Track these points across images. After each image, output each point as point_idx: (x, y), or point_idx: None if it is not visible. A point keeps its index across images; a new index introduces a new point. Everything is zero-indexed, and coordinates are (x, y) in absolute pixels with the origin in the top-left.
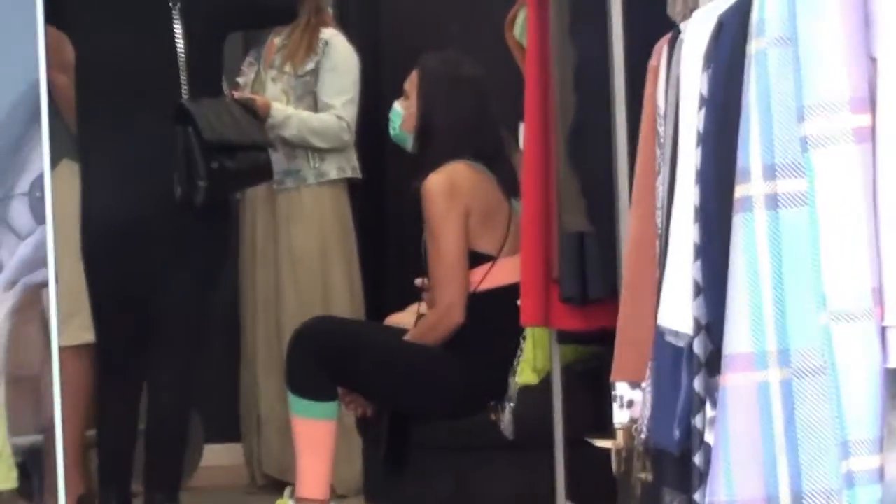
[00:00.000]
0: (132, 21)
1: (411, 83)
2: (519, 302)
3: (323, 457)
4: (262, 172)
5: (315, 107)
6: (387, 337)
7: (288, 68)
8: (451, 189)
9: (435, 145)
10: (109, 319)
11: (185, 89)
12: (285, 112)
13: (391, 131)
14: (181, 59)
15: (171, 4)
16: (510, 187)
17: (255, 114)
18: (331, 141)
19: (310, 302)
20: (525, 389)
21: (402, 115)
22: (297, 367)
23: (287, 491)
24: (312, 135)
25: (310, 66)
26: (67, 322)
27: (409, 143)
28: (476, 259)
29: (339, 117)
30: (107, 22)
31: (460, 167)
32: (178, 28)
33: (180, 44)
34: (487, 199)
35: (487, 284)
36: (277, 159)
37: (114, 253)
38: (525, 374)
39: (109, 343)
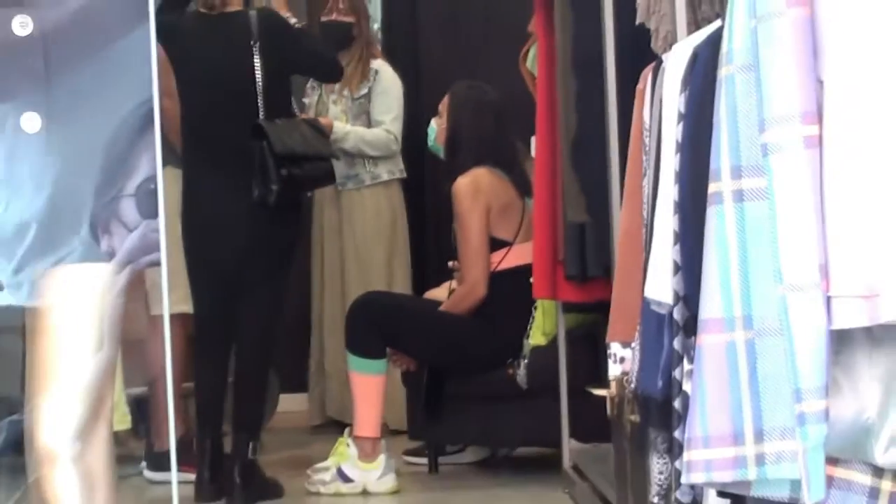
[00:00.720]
0: (221, 54)
1: (444, 105)
2: (531, 279)
3: (375, 404)
4: (326, 178)
5: (368, 123)
6: (426, 307)
7: (346, 92)
8: (475, 189)
9: (461, 154)
10: (204, 293)
11: (261, 111)
12: (344, 129)
13: (428, 143)
14: (259, 87)
15: (251, 42)
16: (523, 187)
17: (321, 131)
18: (382, 150)
19: (367, 278)
20: (536, 349)
21: (435, 131)
22: (355, 331)
23: (346, 431)
24: (367, 146)
25: (363, 90)
26: (170, 293)
27: (441, 153)
28: (496, 244)
29: (388, 131)
30: (201, 54)
31: (482, 172)
32: (256, 62)
33: (258, 74)
34: (504, 197)
35: (505, 265)
36: (340, 166)
37: (207, 240)
38: (536, 336)
39: (203, 311)
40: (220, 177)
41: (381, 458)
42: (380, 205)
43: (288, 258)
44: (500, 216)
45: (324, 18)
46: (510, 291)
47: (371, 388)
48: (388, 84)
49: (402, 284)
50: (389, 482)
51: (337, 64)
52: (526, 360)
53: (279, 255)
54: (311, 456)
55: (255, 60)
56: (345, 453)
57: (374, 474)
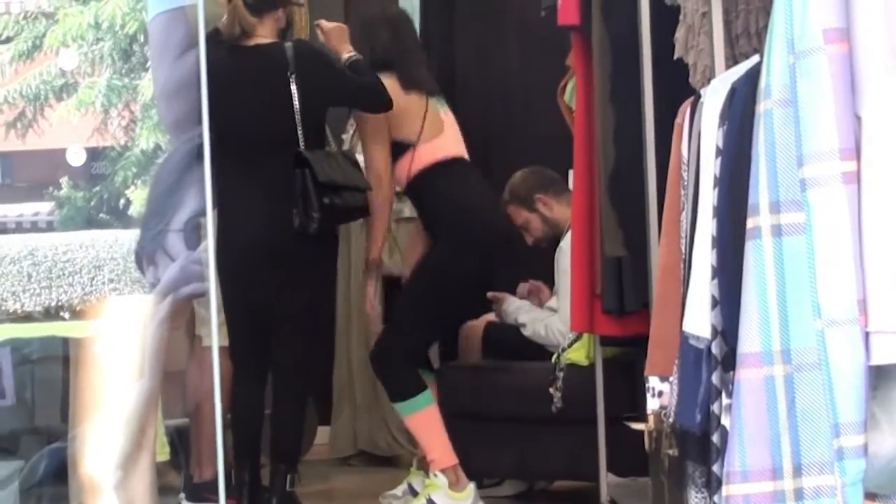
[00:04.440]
0: (258, 85)
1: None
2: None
3: (438, 432)
4: (361, 209)
5: None
6: (409, 292)
7: None
8: None
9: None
10: (240, 324)
11: (301, 141)
12: None
13: None
14: (297, 117)
15: (289, 74)
16: (424, 87)
17: (356, 163)
18: None
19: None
20: (573, 367)
21: None
22: (388, 383)
23: (415, 463)
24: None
25: None
26: (208, 327)
27: None
28: (399, 147)
29: None
30: (238, 86)
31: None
32: (294, 93)
33: (296, 104)
34: (400, 101)
35: (418, 166)
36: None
37: (245, 271)
38: (578, 353)
39: (241, 343)
40: (259, 207)
41: (470, 486)
42: (409, 240)
43: (327, 290)
44: (399, 118)
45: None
46: (432, 190)
47: (427, 421)
48: None
49: None
50: None
51: (383, 94)
52: (563, 375)
53: (318, 287)
54: (338, 488)
55: (293, 91)
56: (434, 484)
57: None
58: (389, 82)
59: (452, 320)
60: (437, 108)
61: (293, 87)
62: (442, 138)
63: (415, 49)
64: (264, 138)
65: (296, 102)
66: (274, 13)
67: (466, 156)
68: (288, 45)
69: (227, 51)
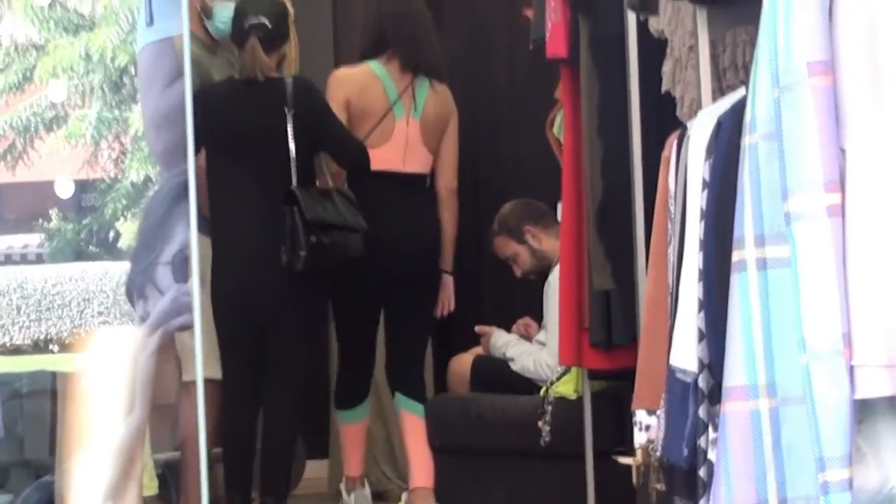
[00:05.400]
0: (255, 119)
1: None
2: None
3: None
4: (353, 249)
5: None
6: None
7: None
8: (338, 81)
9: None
10: (232, 357)
11: (294, 177)
12: None
13: None
14: (292, 153)
15: (286, 109)
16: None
17: (353, 202)
18: None
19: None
20: (561, 401)
21: None
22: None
23: (403, 497)
24: None
25: None
26: (192, 362)
27: None
28: None
29: None
30: (235, 118)
31: (359, 68)
32: (290, 129)
33: (291, 140)
34: (367, 100)
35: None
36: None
37: (236, 305)
38: (567, 386)
39: (233, 377)
40: (250, 242)
41: None
42: None
43: (318, 326)
44: (360, 118)
45: None
46: (374, 195)
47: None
48: None
49: None
50: None
51: (364, 153)
52: (551, 409)
53: (308, 322)
54: None
55: (289, 127)
56: None
57: None
58: (372, 68)
59: (349, 328)
60: (406, 111)
61: (289, 124)
62: (384, 149)
63: (425, 26)
64: (258, 173)
65: (291, 138)
66: (281, 47)
67: (412, 170)
68: (289, 80)
69: (228, 83)
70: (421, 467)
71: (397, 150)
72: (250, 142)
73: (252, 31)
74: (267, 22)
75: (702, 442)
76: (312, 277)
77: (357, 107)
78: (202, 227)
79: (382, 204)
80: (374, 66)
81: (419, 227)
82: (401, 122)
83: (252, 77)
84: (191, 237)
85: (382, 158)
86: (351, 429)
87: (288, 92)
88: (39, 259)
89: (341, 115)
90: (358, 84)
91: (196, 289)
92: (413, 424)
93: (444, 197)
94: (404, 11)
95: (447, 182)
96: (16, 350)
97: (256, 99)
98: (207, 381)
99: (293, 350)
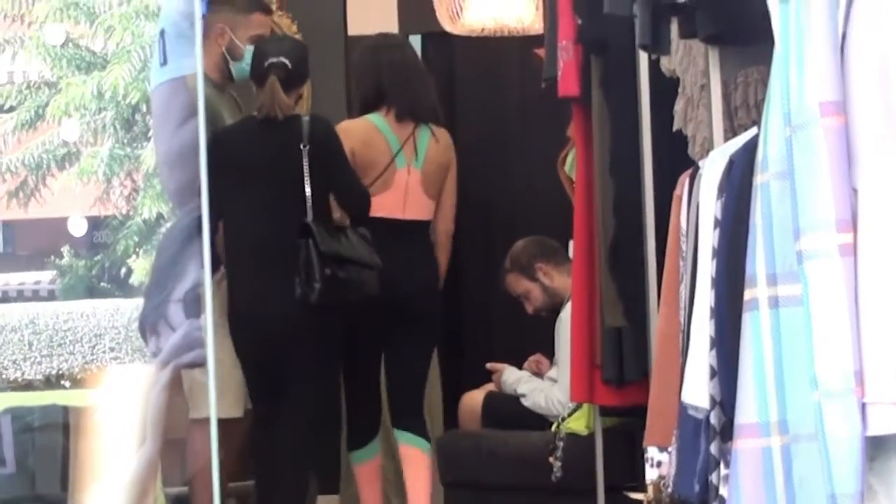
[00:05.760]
0: (272, 154)
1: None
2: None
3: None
4: (368, 285)
5: None
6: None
7: None
8: (343, 131)
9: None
10: (255, 390)
11: (309, 212)
12: None
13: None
14: (307, 190)
15: (301, 147)
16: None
17: (367, 240)
18: None
19: None
20: (572, 437)
21: None
22: None
23: None
24: None
25: None
26: (219, 399)
27: None
28: None
29: None
30: (253, 154)
31: (360, 121)
32: (305, 165)
33: (307, 176)
34: (371, 152)
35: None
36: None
37: (253, 339)
38: (579, 422)
39: (258, 405)
40: (266, 275)
41: None
42: None
43: (331, 359)
44: (364, 168)
45: None
46: (374, 240)
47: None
48: None
49: (432, 383)
50: None
51: (368, 201)
52: (562, 445)
53: (322, 356)
54: None
55: (305, 163)
56: None
57: None
58: (373, 121)
59: (353, 368)
60: (407, 161)
61: (304, 160)
62: (384, 196)
63: (418, 75)
64: (274, 207)
65: (307, 174)
66: (301, 87)
67: (412, 217)
68: (306, 118)
69: (246, 120)
70: (418, 499)
71: (398, 197)
72: (268, 177)
73: (272, 71)
74: (287, 62)
75: (713, 478)
76: (327, 312)
77: (361, 158)
78: (216, 265)
79: (381, 249)
80: (374, 119)
81: (418, 271)
82: (402, 172)
83: (271, 115)
84: (205, 274)
85: (382, 205)
86: (364, 468)
87: (305, 129)
88: (51, 295)
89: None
90: (361, 137)
91: (209, 326)
92: (411, 457)
93: (441, 241)
94: (397, 63)
95: (446, 227)
96: (28, 385)
97: (274, 136)
98: (224, 420)
99: (305, 384)
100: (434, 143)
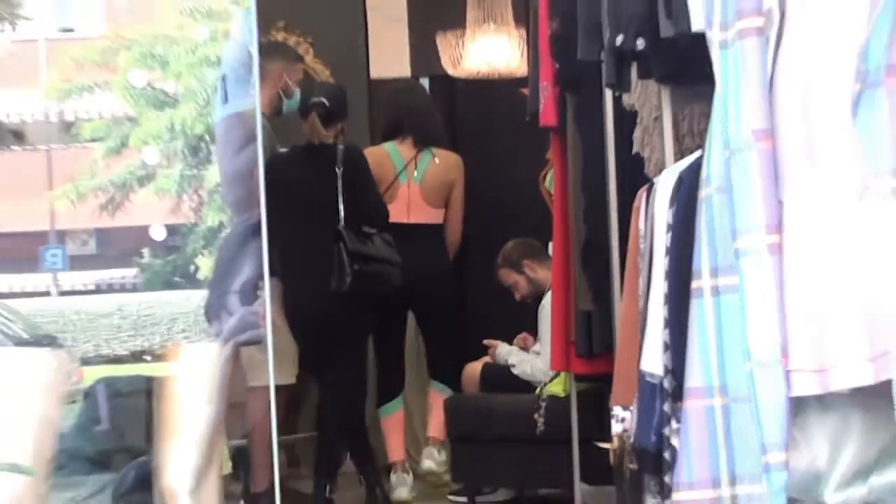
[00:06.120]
0: (312, 176)
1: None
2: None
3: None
4: (391, 278)
5: None
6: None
7: None
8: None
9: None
10: (309, 361)
11: (342, 221)
12: None
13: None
14: (340, 203)
15: (336, 169)
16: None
17: (390, 243)
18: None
19: None
20: (553, 398)
21: None
22: None
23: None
24: None
25: None
26: (255, 371)
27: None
28: None
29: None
30: (298, 176)
31: (376, 148)
32: (339, 183)
33: (340, 192)
34: (382, 171)
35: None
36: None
37: (303, 321)
38: (557, 387)
39: (310, 372)
40: (310, 272)
41: None
42: None
43: (362, 337)
44: (379, 181)
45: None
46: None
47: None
48: None
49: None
50: None
51: (383, 216)
52: (545, 405)
53: (358, 336)
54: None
55: (338, 181)
56: None
57: None
58: (386, 148)
59: (382, 342)
60: (408, 177)
61: (339, 179)
62: (391, 205)
63: (428, 112)
64: (315, 218)
65: (340, 191)
66: (339, 123)
67: (416, 221)
68: (341, 147)
69: (297, 149)
70: (436, 423)
71: (402, 206)
72: (309, 193)
73: (314, 108)
74: (325, 101)
75: (666, 431)
76: (357, 301)
77: (375, 175)
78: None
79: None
80: (387, 146)
81: (423, 262)
82: (403, 187)
83: (311, 142)
84: (264, 268)
85: (392, 212)
86: (391, 419)
87: (339, 155)
88: (135, 288)
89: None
90: (375, 160)
91: (268, 311)
92: (436, 398)
93: (450, 243)
94: (413, 106)
95: (454, 237)
96: (117, 360)
97: (315, 160)
98: (266, 387)
99: (342, 357)
100: (434, 163)
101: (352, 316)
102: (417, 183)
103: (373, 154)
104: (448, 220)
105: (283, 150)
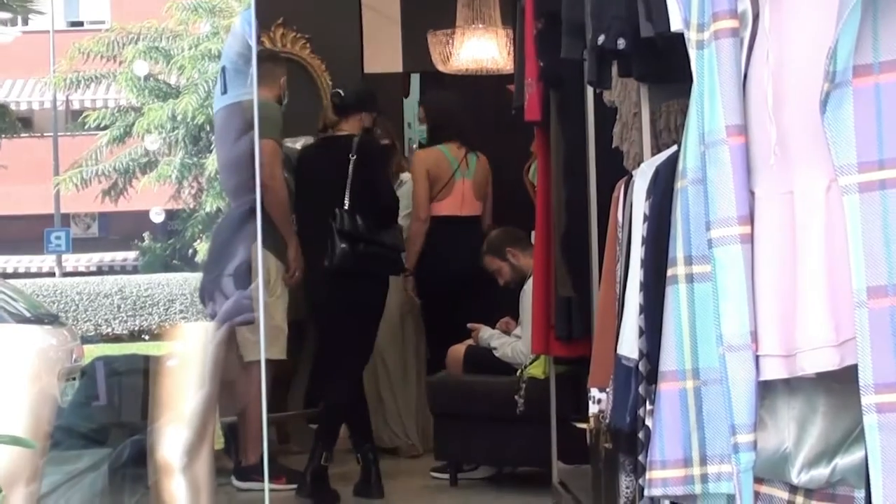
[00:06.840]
0: (327, 163)
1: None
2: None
3: None
4: (384, 261)
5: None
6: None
7: None
8: (420, 160)
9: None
10: (326, 336)
11: (346, 204)
12: None
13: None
14: (348, 186)
15: (350, 156)
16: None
17: (398, 231)
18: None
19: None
20: (532, 380)
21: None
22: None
23: None
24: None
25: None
26: (248, 349)
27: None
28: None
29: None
30: (316, 164)
31: (432, 149)
32: (350, 169)
33: (350, 178)
34: (437, 170)
35: (435, 213)
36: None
37: (314, 297)
38: (537, 369)
39: (330, 349)
40: (316, 251)
41: None
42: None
43: (367, 316)
44: (435, 181)
45: None
46: (440, 233)
47: None
48: (408, 190)
49: (414, 342)
50: None
51: (395, 210)
52: (525, 386)
53: (359, 313)
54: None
55: (350, 167)
56: None
57: None
58: (441, 149)
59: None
60: (462, 174)
61: (350, 165)
62: (447, 201)
63: (471, 121)
64: (326, 201)
65: (350, 177)
66: (357, 115)
67: (467, 213)
68: (356, 137)
69: (318, 139)
70: None
71: (457, 200)
72: (325, 177)
73: (332, 98)
74: (341, 93)
75: (641, 412)
76: (362, 278)
77: (433, 174)
78: (266, 243)
79: (450, 236)
80: (442, 148)
81: (472, 251)
82: (459, 182)
83: (322, 128)
84: (257, 250)
85: (448, 206)
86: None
87: (354, 144)
88: (135, 270)
89: (424, 182)
90: (433, 160)
91: (261, 293)
92: None
93: (486, 229)
94: (458, 111)
95: (490, 224)
96: (116, 338)
97: (332, 149)
98: (258, 363)
99: (350, 333)
100: (478, 162)
101: (349, 293)
102: (470, 179)
103: (430, 154)
104: (485, 211)
105: (309, 139)
